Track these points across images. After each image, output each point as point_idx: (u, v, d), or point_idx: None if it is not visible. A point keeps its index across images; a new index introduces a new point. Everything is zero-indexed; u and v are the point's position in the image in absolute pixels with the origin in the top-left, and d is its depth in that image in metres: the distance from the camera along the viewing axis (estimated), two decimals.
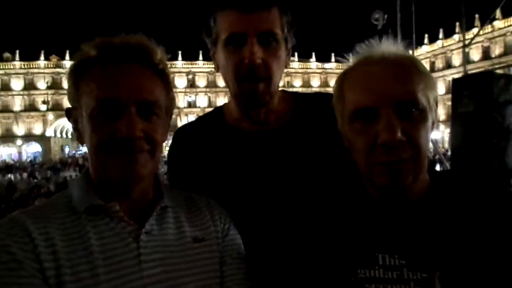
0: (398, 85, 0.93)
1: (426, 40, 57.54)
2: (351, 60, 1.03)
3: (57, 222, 0.94)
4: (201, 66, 61.31)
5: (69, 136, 59.10)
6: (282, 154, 1.29)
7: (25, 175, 33.04)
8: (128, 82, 0.96)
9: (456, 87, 3.49)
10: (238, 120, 1.35)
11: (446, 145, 41.87)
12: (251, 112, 1.30)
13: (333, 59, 66.73)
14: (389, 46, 0.99)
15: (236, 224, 1.16)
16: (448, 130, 46.45)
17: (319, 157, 1.28)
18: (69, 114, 1.04)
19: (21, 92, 57.74)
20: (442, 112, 52.60)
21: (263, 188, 1.26)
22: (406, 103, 0.92)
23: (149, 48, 1.01)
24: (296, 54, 60.06)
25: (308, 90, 60.40)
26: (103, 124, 0.94)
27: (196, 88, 62.02)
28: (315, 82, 64.38)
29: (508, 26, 46.92)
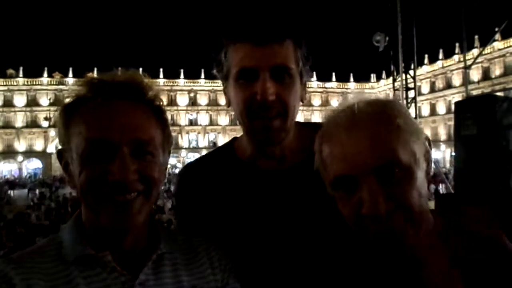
0: (374, 149, 0.86)
1: (426, 61, 58.08)
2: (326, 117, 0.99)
3: (43, 273, 0.87)
4: (203, 84, 61.79)
5: None
6: (301, 195, 1.20)
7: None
8: (120, 121, 0.89)
9: (458, 109, 3.49)
10: (252, 156, 1.26)
11: (448, 165, 41.82)
12: (266, 149, 1.22)
13: (334, 78, 67.42)
14: (360, 104, 0.92)
15: (247, 267, 1.10)
16: (449, 150, 46.57)
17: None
18: (60, 156, 0.97)
19: (24, 109, 58.10)
20: (443, 132, 52.76)
21: (283, 228, 1.18)
22: (386, 167, 0.85)
23: (143, 84, 0.96)
24: None
25: (309, 109, 60.81)
26: (94, 165, 0.87)
27: (198, 106, 62.11)
28: (316, 101, 64.72)
29: (508, 47, 47.42)
